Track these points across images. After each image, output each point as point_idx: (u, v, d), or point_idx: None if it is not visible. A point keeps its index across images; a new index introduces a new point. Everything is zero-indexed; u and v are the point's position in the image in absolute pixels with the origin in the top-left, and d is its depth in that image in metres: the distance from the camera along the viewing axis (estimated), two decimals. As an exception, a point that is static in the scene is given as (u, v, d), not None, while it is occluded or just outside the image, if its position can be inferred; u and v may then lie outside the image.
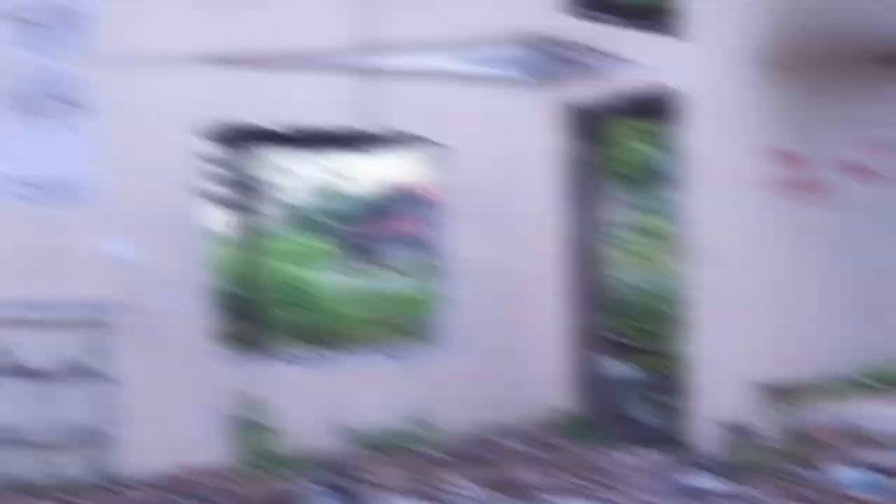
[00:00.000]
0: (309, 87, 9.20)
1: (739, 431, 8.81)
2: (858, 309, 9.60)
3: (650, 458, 8.94)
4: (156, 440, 8.51)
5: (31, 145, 8.20)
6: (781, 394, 8.99)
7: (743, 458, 8.25)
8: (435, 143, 9.91)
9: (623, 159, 14.54)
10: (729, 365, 8.85)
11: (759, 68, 9.06)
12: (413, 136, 9.97)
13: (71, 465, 8.14)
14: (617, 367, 11.20)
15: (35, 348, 8.10)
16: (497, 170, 10.13)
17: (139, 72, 8.55)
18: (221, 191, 15.66)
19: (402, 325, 16.38)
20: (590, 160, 10.26)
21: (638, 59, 9.48)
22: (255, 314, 15.55)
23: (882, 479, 7.47)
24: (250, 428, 8.81)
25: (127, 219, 8.51)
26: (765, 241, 9.09)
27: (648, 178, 12.33)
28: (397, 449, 9.26)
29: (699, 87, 8.97)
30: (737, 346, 8.89)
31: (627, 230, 17.34)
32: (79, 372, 8.23)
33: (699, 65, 9.00)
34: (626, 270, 15.19)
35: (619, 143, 14.05)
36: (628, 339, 12.68)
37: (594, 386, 10.15)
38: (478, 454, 9.26)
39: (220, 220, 9.78)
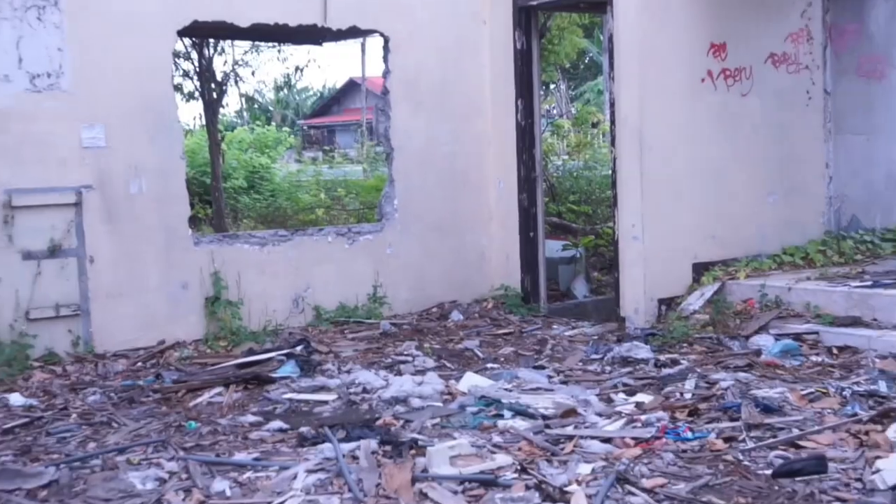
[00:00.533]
0: None
1: (670, 304, 8.70)
2: (777, 191, 9.50)
3: (587, 330, 8.82)
4: (131, 315, 8.28)
5: (16, 42, 7.81)
6: (709, 270, 8.87)
7: (673, 330, 8.10)
8: (383, 35, 9.58)
9: (562, 52, 14.39)
10: (661, 244, 8.67)
11: None
12: (363, 30, 9.71)
13: (54, 337, 7.98)
14: (556, 247, 11.17)
15: (24, 230, 7.86)
16: (442, 60, 9.84)
17: None
18: (190, 84, 15.58)
19: (355, 208, 16.40)
20: (530, 52, 9.90)
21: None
22: (220, 199, 15.55)
23: (794, 344, 7.43)
24: (217, 303, 8.60)
25: (105, 110, 8.13)
26: (692, 128, 8.86)
27: (586, 70, 12.00)
28: (352, 322, 9.11)
29: None
30: (668, 227, 8.71)
31: (566, 119, 17.42)
32: (61, 251, 8.00)
33: None
34: (564, 156, 15.28)
35: (559, 37, 13.92)
36: (566, 220, 12.68)
37: (535, 265, 9.94)
38: (427, 327, 9.10)
39: (188, 112, 9.50)
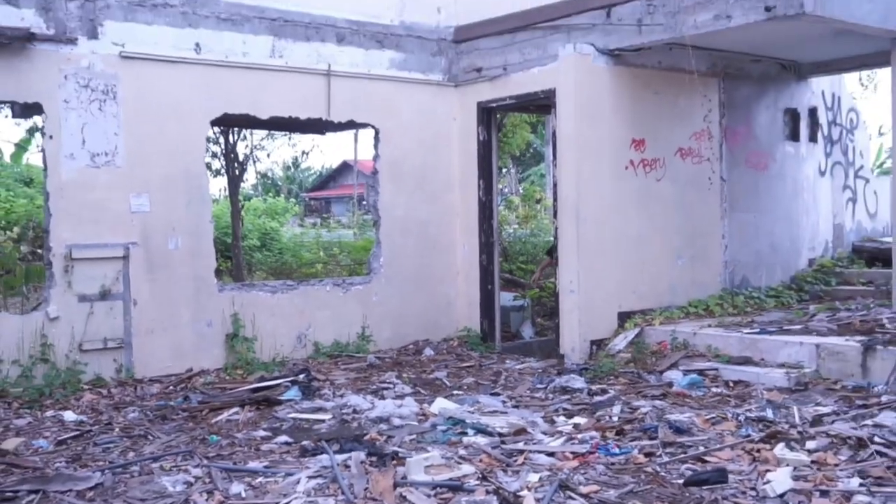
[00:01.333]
0: (282, 87, 8.82)
1: (600, 345, 8.68)
2: (685, 256, 9.49)
3: (533, 364, 8.75)
4: (165, 347, 8.17)
5: (80, 128, 7.73)
6: (630, 318, 8.86)
7: (602, 365, 8.06)
8: (374, 128, 9.56)
9: (514, 143, 14.45)
10: (592, 296, 8.63)
11: (614, 76, 8.85)
12: (358, 123, 9.69)
13: (102, 365, 7.83)
14: (509, 298, 11.12)
15: (81, 277, 7.74)
16: (421, 148, 9.83)
17: (160, 71, 8.10)
18: (218, 162, 15.48)
19: (347, 264, 16.29)
20: (490, 143, 9.94)
21: (526, 66, 9.27)
22: (239, 255, 15.39)
23: (699, 378, 7.40)
24: (236, 339, 8.49)
25: (150, 182, 8.08)
26: (618, 205, 8.86)
27: (532, 158, 12.02)
28: (344, 356, 9.02)
29: (572, 93, 8.63)
30: (598, 283, 8.68)
31: (516, 196, 17.43)
32: (110, 295, 7.87)
33: (567, 72, 8.66)
34: (516, 226, 15.25)
35: (512, 132, 14.01)
36: (517, 276, 12.64)
37: (492, 311, 9.88)
38: (405, 361, 9.01)
39: (216, 185, 9.45)
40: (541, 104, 9.86)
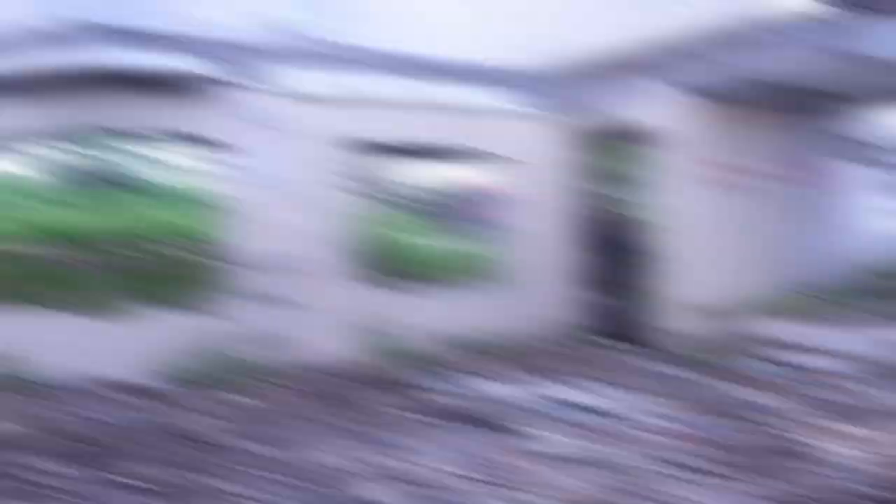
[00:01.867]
0: (416, 119, 9.25)
1: (694, 338, 9.10)
2: (762, 261, 10.12)
3: (632, 354, 9.00)
4: (320, 342, 8.40)
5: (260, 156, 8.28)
6: (722, 312, 9.35)
7: (694, 356, 8.42)
8: (498, 157, 9.97)
9: (618, 169, 14.95)
10: (687, 293, 9.22)
11: (710, 110, 9.45)
12: (483, 152, 10.04)
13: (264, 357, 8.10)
14: (615, 292, 10.90)
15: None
16: (534, 175, 10.17)
17: (308, 105, 8.63)
18: (359, 186, 15.98)
19: (475, 272, 16.60)
20: (594, 168, 10.41)
21: (630, 101, 9.65)
22: (381, 263, 15.90)
23: (780, 369, 7.85)
24: (382, 336, 8.79)
25: (302, 201, 8.53)
26: (711, 218, 9.58)
27: (634, 181, 12.44)
28: (480, 350, 9.14)
29: (668, 123, 9.29)
30: (693, 282, 9.27)
31: (622, 212, 17.52)
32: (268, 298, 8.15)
33: (667, 106, 9.31)
34: (624, 237, 15.47)
35: (616, 158, 14.43)
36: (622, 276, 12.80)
37: (598, 307, 10.23)
38: (531, 352, 9.21)
39: (357, 205, 9.71)
40: (643, 137, 9.90)
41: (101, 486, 5.32)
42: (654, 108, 9.45)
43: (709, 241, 9.65)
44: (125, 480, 5.38)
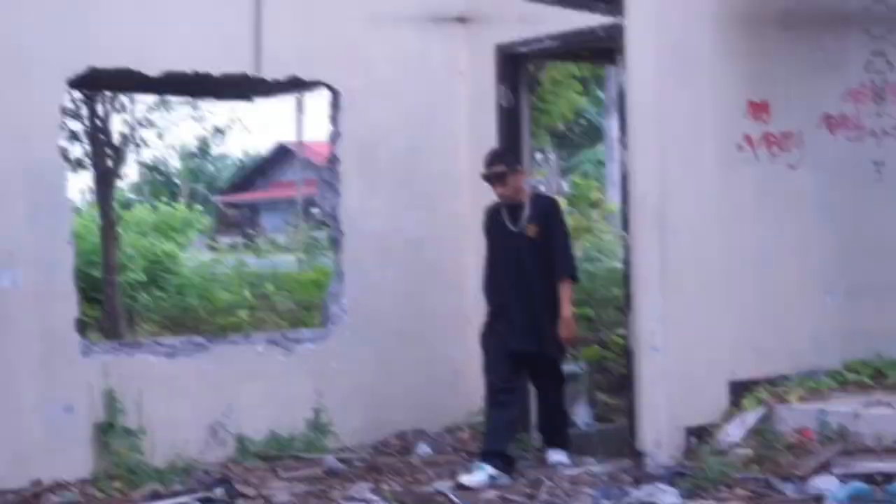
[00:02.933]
0: (183, 24, 8.97)
1: (702, 435, 8.64)
2: (839, 288, 9.46)
3: (594, 469, 8.74)
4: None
5: None
6: (751, 391, 8.84)
7: (707, 468, 7.99)
8: (332, 89, 9.70)
9: (556, 112, 14.51)
10: (688, 356, 8.64)
11: (720, 3, 8.93)
12: (305, 81, 9.78)
13: None
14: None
15: None
16: (408, 122, 9.97)
17: None
18: (77, 148, 15.57)
19: (288, 309, 16.32)
20: (518, 112, 10.01)
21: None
22: (113, 296, 15.43)
23: (867, 489, 7.40)
24: (112, 432, 8.53)
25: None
26: (728, 208, 8.91)
27: (586, 135, 12.17)
28: (288, 457, 9.05)
29: (651, 27, 8.71)
30: (697, 335, 8.69)
31: (559, 196, 17.40)
32: None
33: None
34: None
35: (552, 93, 14.05)
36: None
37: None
38: (385, 463, 9.00)
39: (74, 184, 9.62)
40: (598, 48, 9.88)
41: None
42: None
43: (727, 248, 9.03)
44: None
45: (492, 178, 8.70)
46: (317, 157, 27.44)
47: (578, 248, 14.36)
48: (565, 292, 8.77)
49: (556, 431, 9.25)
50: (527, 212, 8.70)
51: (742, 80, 9.05)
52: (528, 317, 8.75)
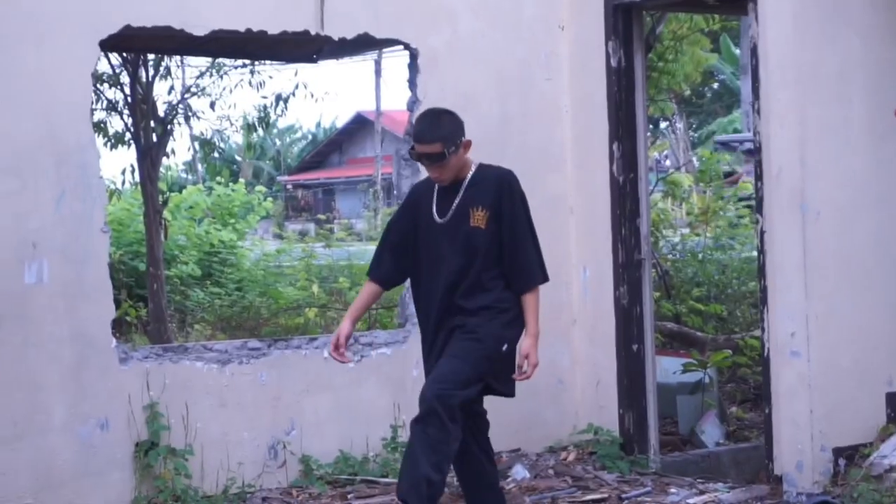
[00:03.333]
0: None
1: (853, 457, 8.58)
2: None
3: (725, 496, 8.67)
4: (20, 469, 8.25)
5: None
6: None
7: (859, 496, 7.97)
8: (409, 48, 9.73)
9: (680, 73, 14.39)
10: (835, 363, 8.57)
11: None
12: (377, 39, 9.81)
13: None
14: (674, 368, 11.03)
15: None
16: (499, 87, 9.96)
17: None
18: (118, 121, 15.69)
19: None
20: (632, 72, 9.95)
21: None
22: (160, 293, 15.53)
23: None
24: (155, 453, 8.55)
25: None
26: (884, 188, 8.84)
27: (718, 100, 12.08)
28: (360, 482, 9.08)
29: None
30: (845, 337, 8.62)
31: (685, 173, 17.27)
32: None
33: None
34: (684, 229, 15.11)
35: (674, 50, 13.92)
36: (688, 326, 12.53)
37: (641, 395, 9.94)
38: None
39: (114, 162, 9.70)
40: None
41: None
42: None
43: (882, 236, 8.97)
44: None
45: (422, 159, 7.12)
46: (399, 128, 27.49)
47: (709, 233, 14.33)
48: (531, 305, 7.10)
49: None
50: (467, 194, 7.06)
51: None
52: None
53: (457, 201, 6.98)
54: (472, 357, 7.06)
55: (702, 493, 8.83)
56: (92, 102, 8.93)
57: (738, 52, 25.52)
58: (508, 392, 7.54)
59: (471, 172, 7.07)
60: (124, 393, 8.58)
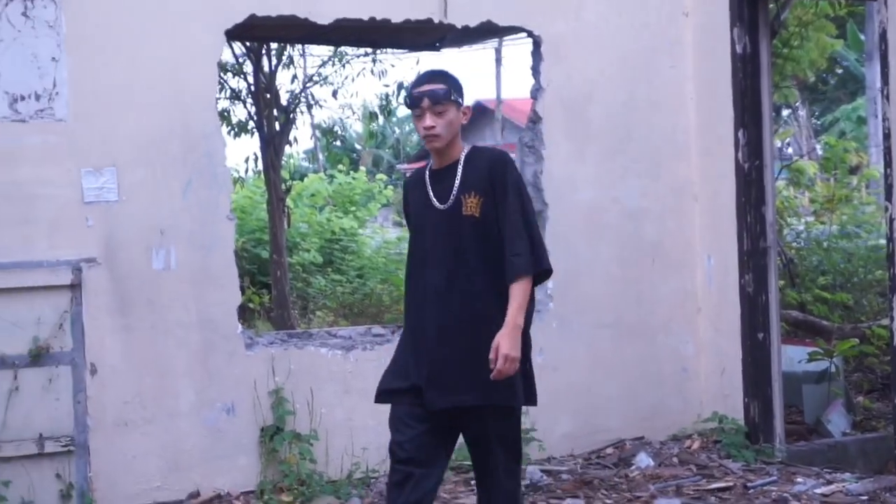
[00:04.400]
0: None
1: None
2: None
3: (852, 486, 8.51)
4: (149, 453, 8.37)
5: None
6: None
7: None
8: (533, 36, 9.65)
9: (805, 59, 14.21)
10: None
11: None
12: (500, 27, 9.79)
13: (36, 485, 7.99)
14: (799, 356, 10.91)
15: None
16: (623, 74, 9.89)
17: None
18: (241, 110, 15.80)
19: None
20: (757, 59, 9.84)
21: None
22: (283, 280, 15.63)
23: None
24: (280, 437, 8.63)
25: (117, 147, 8.36)
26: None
27: (843, 87, 11.89)
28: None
29: None
30: None
31: (809, 161, 17.09)
32: (48, 356, 8.13)
33: None
34: (808, 217, 14.93)
35: (799, 36, 13.74)
36: (814, 315, 12.38)
37: (767, 383, 9.83)
38: (599, 477, 8.98)
39: (236, 151, 9.70)
40: None
41: None
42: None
43: None
44: None
45: (422, 100, 5.95)
46: (519, 117, 27.38)
47: (834, 221, 14.14)
48: (515, 295, 5.84)
49: None
50: (462, 177, 6.02)
51: None
52: (459, 349, 5.99)
53: (457, 183, 5.95)
54: None
55: (829, 482, 8.72)
56: (217, 92, 8.94)
57: (863, 38, 25.05)
58: (515, 403, 6.04)
59: (464, 153, 6.02)
60: (250, 378, 8.67)
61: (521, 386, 5.92)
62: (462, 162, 5.95)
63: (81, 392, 8.23)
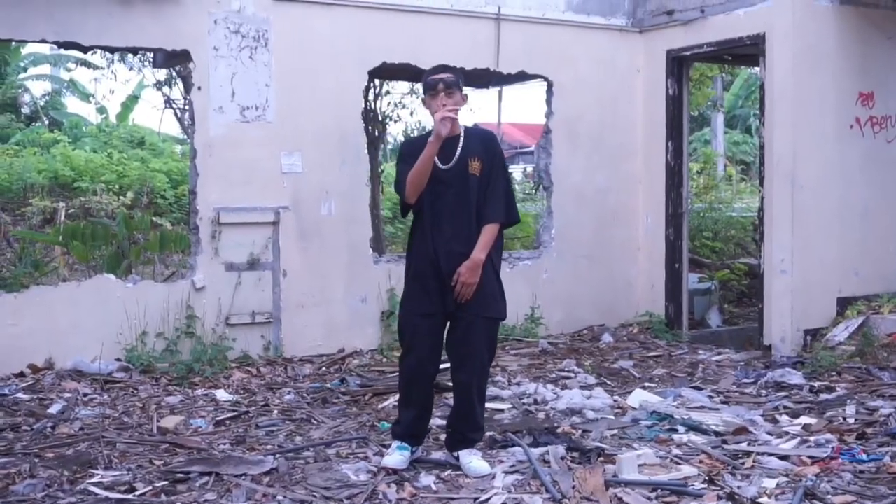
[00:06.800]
0: (447, 33, 8.90)
1: (816, 335, 8.38)
2: None
3: (733, 356, 8.51)
4: (316, 324, 8.37)
5: (230, 78, 7.96)
6: (852, 304, 8.52)
7: (820, 359, 7.75)
8: (547, 80, 9.50)
9: (694, 102, 14.09)
10: (807, 278, 8.38)
11: (839, 18, 8.52)
12: (529, 74, 9.59)
13: (250, 341, 8.10)
14: (692, 280, 10.78)
15: (229, 244, 8.01)
16: (599, 106, 9.71)
17: (315, 15, 8.32)
18: (369, 117, 15.67)
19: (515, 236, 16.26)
20: (681, 98, 9.69)
21: (729, 6, 8.99)
22: (378, 224, 15.59)
23: None
24: (393, 317, 8.47)
25: (302, 139, 8.28)
26: (841, 171, 8.56)
27: (694, 121, 11.74)
28: (512, 339, 8.98)
29: (783, 32, 8.37)
30: (814, 262, 8.43)
31: (710, 160, 17.06)
32: (258, 264, 8.12)
33: (783, 13, 8.38)
34: (692, 198, 14.88)
35: (697, 85, 13.65)
36: (701, 255, 12.31)
37: (679, 294, 9.66)
38: (581, 347, 8.92)
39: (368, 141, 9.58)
40: (742, 53, 9.58)
41: None
42: (776, 13, 8.58)
43: (840, 201, 8.77)
44: None
45: (438, 84, 5.16)
46: (509, 137, 27.14)
47: (706, 201, 14.02)
48: (487, 234, 5.11)
49: (474, 426, 5.34)
50: (464, 146, 5.19)
51: (855, 75, 8.65)
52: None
53: (459, 149, 5.13)
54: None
55: (719, 354, 8.72)
56: (362, 107, 8.86)
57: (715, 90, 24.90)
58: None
59: (462, 130, 5.20)
60: (375, 281, 8.63)
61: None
62: (463, 135, 5.17)
63: (277, 286, 8.21)
